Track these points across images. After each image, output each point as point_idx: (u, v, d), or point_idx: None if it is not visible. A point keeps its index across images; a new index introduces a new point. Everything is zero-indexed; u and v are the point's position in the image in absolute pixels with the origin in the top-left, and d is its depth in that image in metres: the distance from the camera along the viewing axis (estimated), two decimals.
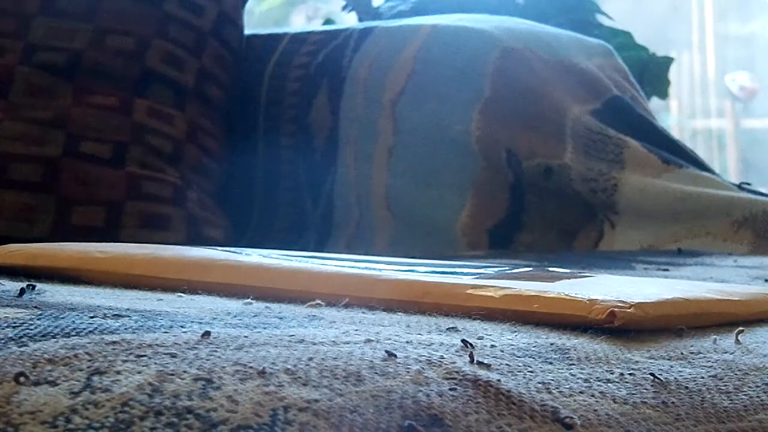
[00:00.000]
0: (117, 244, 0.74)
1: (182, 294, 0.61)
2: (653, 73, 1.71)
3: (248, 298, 0.58)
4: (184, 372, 0.38)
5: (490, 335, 0.49)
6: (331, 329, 0.48)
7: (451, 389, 0.39)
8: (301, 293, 0.59)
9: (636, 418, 0.41)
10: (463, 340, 0.46)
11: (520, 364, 0.44)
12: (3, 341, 0.42)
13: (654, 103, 1.74)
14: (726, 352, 0.50)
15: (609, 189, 1.26)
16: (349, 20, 1.75)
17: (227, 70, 1.33)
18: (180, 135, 1.24)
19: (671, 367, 0.47)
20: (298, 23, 3.27)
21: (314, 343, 0.43)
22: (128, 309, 0.52)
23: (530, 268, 0.72)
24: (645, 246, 1.23)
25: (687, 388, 0.44)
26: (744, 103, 4.04)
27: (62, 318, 0.47)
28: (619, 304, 0.52)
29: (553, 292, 0.55)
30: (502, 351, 0.46)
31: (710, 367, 0.47)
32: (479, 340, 0.48)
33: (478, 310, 0.55)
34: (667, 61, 1.75)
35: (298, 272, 0.62)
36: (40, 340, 0.42)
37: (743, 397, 0.45)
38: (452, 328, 0.51)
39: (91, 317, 0.48)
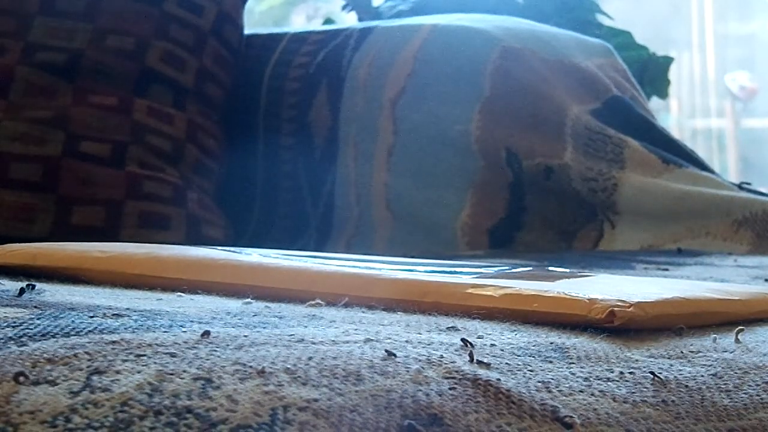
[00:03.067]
0: (117, 243, 0.74)
1: (182, 294, 0.61)
2: (653, 73, 1.71)
3: (248, 297, 0.58)
4: (184, 371, 0.38)
5: (490, 334, 0.49)
6: (330, 328, 0.48)
7: (450, 388, 0.39)
8: (300, 293, 0.59)
9: (636, 417, 0.41)
10: (462, 339, 0.46)
11: (520, 363, 0.44)
12: (2, 341, 0.42)
13: (654, 103, 1.74)
14: (726, 351, 0.50)
15: (609, 188, 1.26)
16: (349, 20, 1.75)
17: (227, 70, 1.33)
18: (180, 135, 1.24)
19: (671, 365, 0.47)
20: (298, 23, 3.27)
21: (314, 343, 0.43)
22: (128, 308, 0.52)
23: (530, 268, 0.72)
24: (645, 246, 1.23)
25: (687, 386, 0.44)
26: (744, 103, 4.04)
27: (62, 318, 0.47)
28: (619, 304, 0.52)
29: (553, 292, 0.55)
30: (502, 350, 0.46)
31: (710, 365, 0.47)
32: (479, 339, 0.48)
33: (478, 309, 0.55)
34: (667, 61, 1.75)
35: (298, 272, 0.62)
36: (39, 340, 0.42)
37: (743, 395, 0.45)
38: (452, 327, 0.51)
39: (91, 317, 0.48)
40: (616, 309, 0.52)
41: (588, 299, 0.53)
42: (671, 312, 0.55)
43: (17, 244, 0.71)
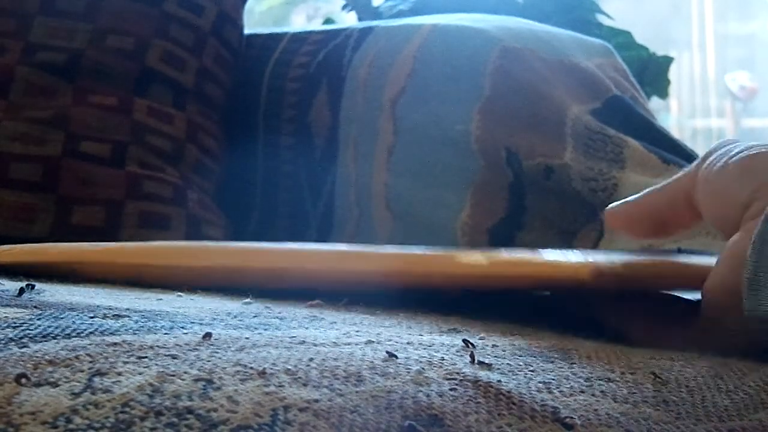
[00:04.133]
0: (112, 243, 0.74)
1: (182, 294, 0.61)
2: (653, 73, 1.71)
3: (247, 297, 0.58)
4: (185, 373, 0.38)
5: (492, 335, 0.49)
6: (332, 330, 0.48)
7: (451, 389, 0.39)
8: (287, 271, 0.59)
9: (636, 418, 0.41)
10: (464, 340, 0.46)
11: (521, 363, 0.44)
12: (3, 342, 0.42)
13: (654, 103, 1.74)
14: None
15: (609, 188, 1.26)
16: (349, 20, 1.75)
17: (227, 70, 1.33)
18: (180, 135, 1.24)
19: (672, 366, 0.47)
20: (299, 23, 3.28)
21: (315, 344, 0.44)
22: (128, 309, 0.52)
23: None
24: (645, 245, 1.23)
25: (688, 387, 0.45)
26: (744, 103, 4.04)
27: (62, 318, 0.47)
28: (608, 264, 0.51)
29: (541, 258, 0.54)
30: (504, 351, 0.46)
31: (711, 366, 0.47)
32: (480, 340, 0.48)
33: (467, 278, 0.53)
34: (667, 61, 1.75)
35: (283, 251, 0.62)
36: (40, 341, 0.42)
37: (743, 395, 0.45)
38: (453, 329, 0.51)
39: (91, 317, 0.48)
40: (603, 267, 0.51)
41: (575, 262, 0.52)
42: (664, 273, 0.54)
43: (13, 245, 0.72)
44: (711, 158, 0.57)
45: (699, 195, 0.58)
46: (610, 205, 0.63)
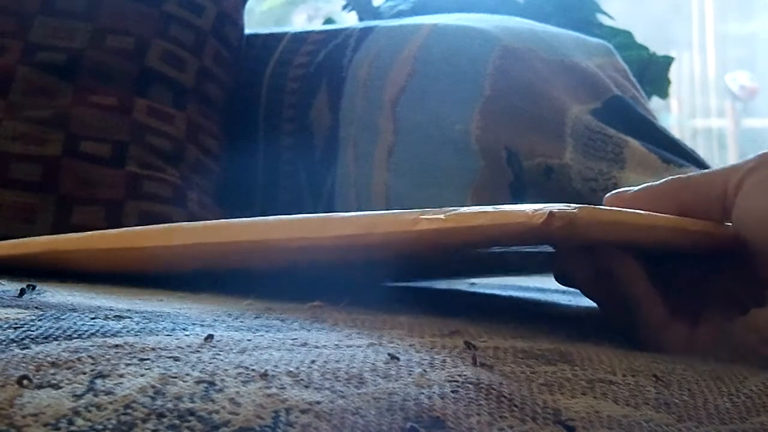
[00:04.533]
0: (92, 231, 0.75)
1: (183, 294, 0.61)
2: (653, 73, 1.71)
3: (247, 299, 0.58)
4: (187, 375, 0.38)
5: (493, 338, 0.49)
6: (333, 332, 0.48)
7: (453, 391, 0.39)
8: (253, 243, 0.59)
9: (638, 420, 0.41)
10: (466, 342, 0.46)
11: (523, 365, 0.44)
12: (5, 343, 0.42)
13: (654, 103, 1.75)
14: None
15: (609, 188, 1.26)
16: (350, 20, 1.75)
17: (227, 70, 1.33)
18: (180, 135, 1.24)
19: (674, 368, 0.47)
20: (299, 23, 3.28)
21: (317, 346, 0.44)
22: (129, 310, 0.52)
23: None
24: None
25: (689, 389, 0.45)
26: (744, 103, 4.04)
27: (63, 319, 0.47)
28: (564, 208, 0.49)
29: (500, 208, 0.52)
30: (505, 353, 0.46)
31: (711, 369, 0.47)
32: (482, 343, 0.48)
33: (428, 235, 0.53)
34: (668, 61, 1.75)
35: (253, 224, 0.62)
36: (42, 343, 0.42)
37: (745, 398, 0.45)
38: (455, 331, 0.51)
39: (93, 318, 0.48)
40: (555, 211, 0.48)
41: (532, 210, 0.50)
42: (623, 220, 0.53)
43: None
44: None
45: (743, 204, 0.55)
46: (615, 191, 0.60)
